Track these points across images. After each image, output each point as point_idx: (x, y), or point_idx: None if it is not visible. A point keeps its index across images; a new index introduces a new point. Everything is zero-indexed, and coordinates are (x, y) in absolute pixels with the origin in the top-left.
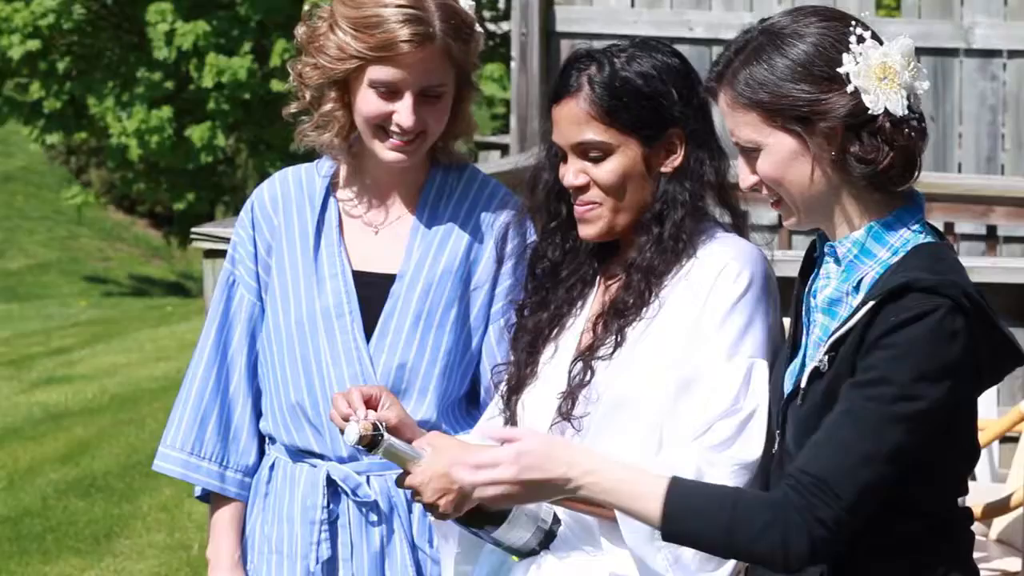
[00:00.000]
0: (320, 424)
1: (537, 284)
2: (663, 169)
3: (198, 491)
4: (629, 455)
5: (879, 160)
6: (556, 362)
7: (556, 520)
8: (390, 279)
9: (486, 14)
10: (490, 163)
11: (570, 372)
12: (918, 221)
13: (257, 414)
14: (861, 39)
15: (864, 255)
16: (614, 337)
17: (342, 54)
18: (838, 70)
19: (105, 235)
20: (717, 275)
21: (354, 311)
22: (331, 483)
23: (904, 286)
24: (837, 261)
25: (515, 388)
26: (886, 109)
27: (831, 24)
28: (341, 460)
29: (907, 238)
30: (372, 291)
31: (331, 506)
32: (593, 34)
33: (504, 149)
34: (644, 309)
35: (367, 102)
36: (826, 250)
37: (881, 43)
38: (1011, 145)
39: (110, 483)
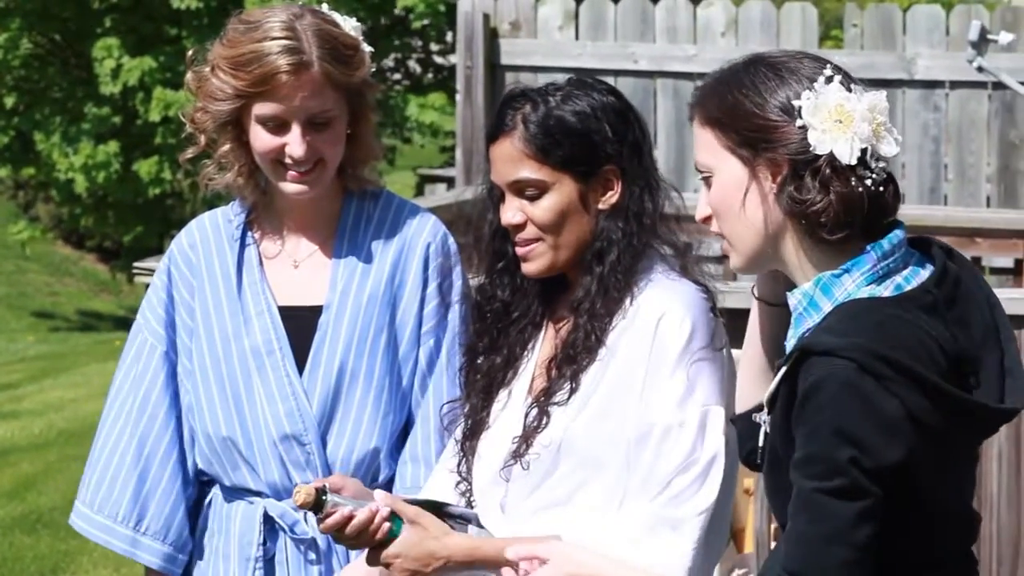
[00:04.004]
0: (255, 462)
1: (486, 325)
2: (600, 206)
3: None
4: (590, 509)
5: (811, 203)
6: (510, 407)
7: None
8: (316, 311)
9: (433, 47)
10: (436, 196)
11: (526, 416)
12: (868, 272)
13: (183, 472)
14: (829, 79)
15: (812, 308)
16: (569, 383)
17: (225, 95)
18: (794, 102)
19: (53, 270)
20: (657, 323)
21: (284, 347)
22: (268, 520)
23: (802, 350)
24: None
25: (471, 434)
26: (831, 153)
27: (810, 63)
28: (278, 497)
29: (850, 291)
30: (299, 325)
31: (268, 543)
32: (537, 67)
33: (450, 182)
34: (593, 353)
35: (258, 138)
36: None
37: (850, 91)
38: (954, 175)
39: (56, 519)
